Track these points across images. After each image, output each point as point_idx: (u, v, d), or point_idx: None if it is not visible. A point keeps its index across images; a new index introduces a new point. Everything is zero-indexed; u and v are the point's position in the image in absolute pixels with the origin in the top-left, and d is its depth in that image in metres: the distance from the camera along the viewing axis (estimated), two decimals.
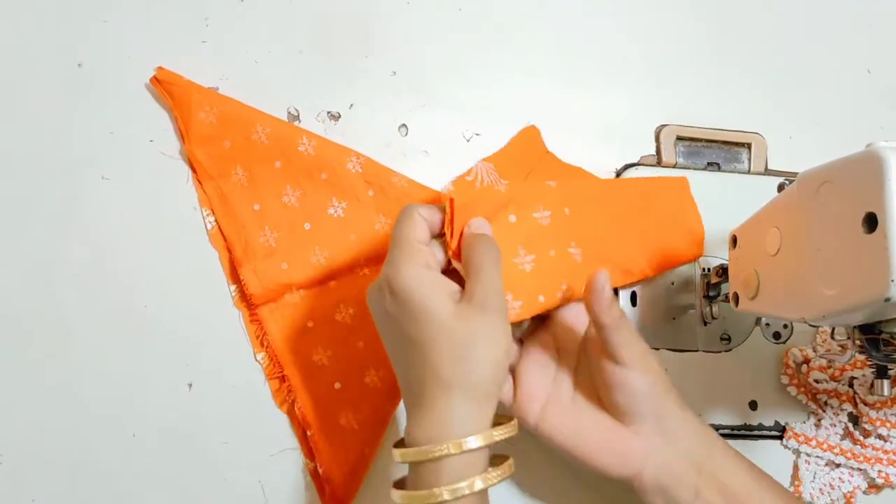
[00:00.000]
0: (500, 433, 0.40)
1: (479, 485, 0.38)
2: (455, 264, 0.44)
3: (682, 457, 0.45)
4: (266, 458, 0.52)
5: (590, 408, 0.46)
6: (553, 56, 0.60)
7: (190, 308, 0.52)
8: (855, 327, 0.41)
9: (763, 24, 0.65)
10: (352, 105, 0.57)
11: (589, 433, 0.45)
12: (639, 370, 0.44)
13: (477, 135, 0.58)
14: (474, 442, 0.38)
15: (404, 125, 0.57)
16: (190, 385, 0.52)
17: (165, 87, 0.53)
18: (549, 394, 0.46)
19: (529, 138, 0.58)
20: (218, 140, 0.53)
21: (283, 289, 0.52)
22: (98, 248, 0.52)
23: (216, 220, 0.53)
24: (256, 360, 0.53)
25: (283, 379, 0.52)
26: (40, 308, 0.51)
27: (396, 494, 0.40)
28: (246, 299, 0.53)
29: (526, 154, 0.58)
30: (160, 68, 0.53)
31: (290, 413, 0.52)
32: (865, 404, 0.56)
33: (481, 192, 0.50)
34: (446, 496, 0.37)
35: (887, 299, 0.34)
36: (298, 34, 0.57)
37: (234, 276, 0.53)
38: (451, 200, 0.44)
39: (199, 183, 0.53)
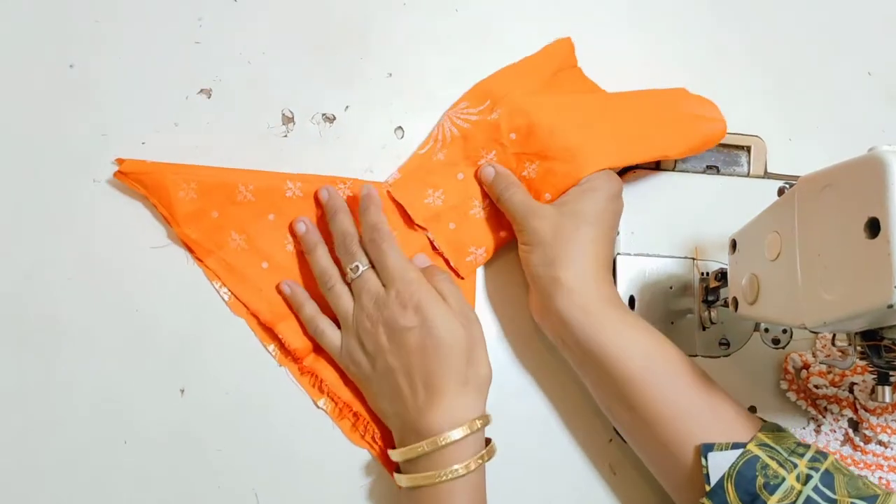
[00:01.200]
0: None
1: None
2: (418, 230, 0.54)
3: (565, 325, 0.49)
4: (260, 465, 0.51)
5: None
6: None
7: (182, 313, 0.52)
8: (856, 333, 0.41)
9: (763, 26, 0.64)
10: (347, 107, 0.56)
11: (530, 294, 0.54)
12: (522, 239, 0.52)
13: None
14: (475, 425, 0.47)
15: (400, 127, 0.57)
16: (182, 391, 0.51)
17: (134, 178, 0.51)
18: None
19: (561, 49, 0.59)
20: (205, 213, 0.51)
21: None
22: (90, 252, 0.51)
23: (230, 291, 0.52)
24: (319, 406, 0.52)
25: (356, 416, 0.52)
26: (31, 311, 0.50)
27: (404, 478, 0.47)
28: (290, 354, 0.52)
29: (550, 62, 0.58)
30: (120, 160, 0.51)
31: (372, 445, 0.52)
32: (866, 410, 0.56)
33: (419, 172, 0.55)
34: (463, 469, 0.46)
35: (890, 306, 0.33)
36: (293, 35, 0.56)
37: (268, 336, 0.53)
38: (389, 193, 0.54)
39: (200, 260, 0.52)
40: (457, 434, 0.46)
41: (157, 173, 0.51)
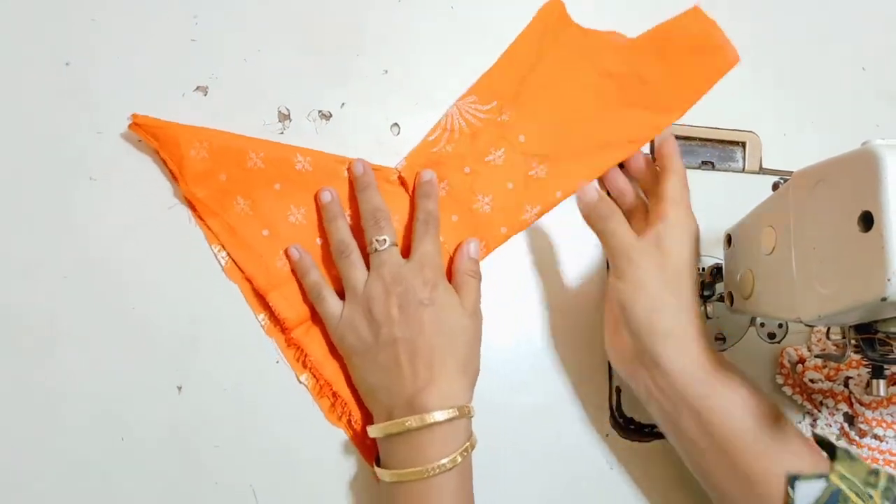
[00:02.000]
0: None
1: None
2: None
3: (667, 374, 0.47)
4: (257, 461, 0.51)
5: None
6: None
7: (179, 310, 0.52)
8: (851, 327, 0.41)
9: (757, 22, 0.65)
10: (343, 104, 0.56)
11: (609, 331, 0.52)
12: (619, 275, 0.49)
13: None
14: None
15: (396, 124, 0.57)
16: (179, 388, 0.51)
17: (148, 131, 0.51)
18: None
19: (551, 13, 0.58)
20: (213, 174, 0.52)
21: (312, 307, 0.53)
22: (86, 251, 0.51)
23: (228, 255, 0.52)
24: (300, 381, 0.52)
25: (335, 396, 0.52)
26: (28, 309, 0.50)
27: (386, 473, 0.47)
28: (279, 324, 0.52)
29: (544, 31, 0.58)
30: (135, 115, 0.51)
31: (348, 427, 0.52)
32: (861, 404, 0.56)
33: (427, 163, 0.55)
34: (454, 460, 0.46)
35: (884, 299, 0.34)
36: (289, 32, 0.56)
37: (259, 304, 0.53)
38: (400, 177, 0.55)
39: (203, 220, 0.52)
40: (444, 415, 0.46)
41: (170, 129, 0.51)
